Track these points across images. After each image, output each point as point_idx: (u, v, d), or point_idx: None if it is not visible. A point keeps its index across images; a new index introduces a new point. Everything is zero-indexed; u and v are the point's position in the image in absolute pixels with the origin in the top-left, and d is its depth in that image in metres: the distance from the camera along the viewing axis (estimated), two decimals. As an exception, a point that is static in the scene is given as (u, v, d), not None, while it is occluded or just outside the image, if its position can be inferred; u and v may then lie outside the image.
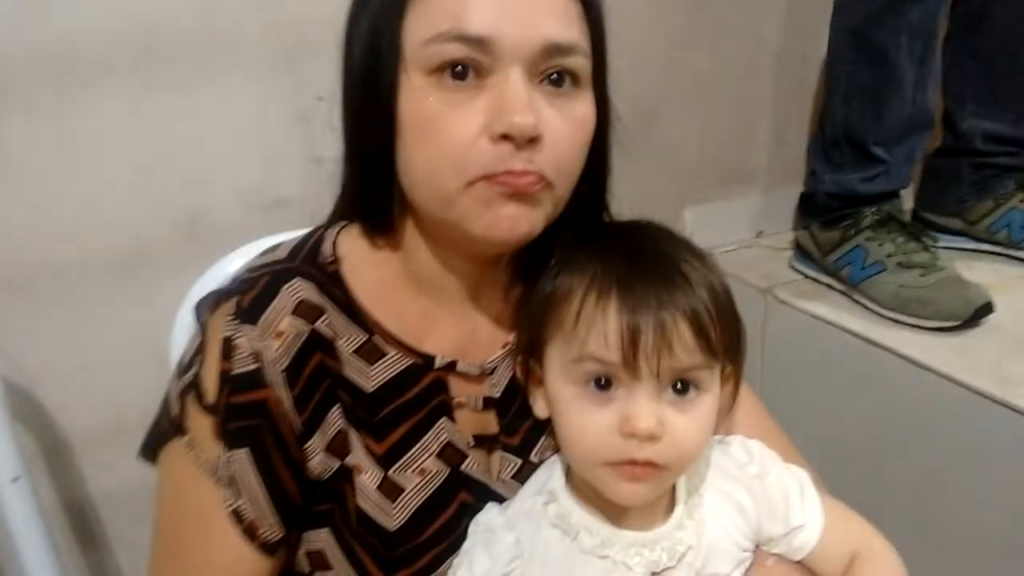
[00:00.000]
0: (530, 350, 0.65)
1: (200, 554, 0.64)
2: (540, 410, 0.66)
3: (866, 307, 1.28)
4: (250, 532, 0.63)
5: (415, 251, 0.68)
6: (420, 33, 0.59)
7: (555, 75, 0.60)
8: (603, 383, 0.59)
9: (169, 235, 1.10)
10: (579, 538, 0.62)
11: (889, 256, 1.28)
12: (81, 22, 0.99)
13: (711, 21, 1.44)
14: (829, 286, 1.38)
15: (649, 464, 0.58)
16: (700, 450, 0.62)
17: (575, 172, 0.64)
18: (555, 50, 0.59)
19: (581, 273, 0.61)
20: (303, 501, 0.65)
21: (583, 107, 0.63)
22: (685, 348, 0.58)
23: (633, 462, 0.58)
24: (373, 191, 0.66)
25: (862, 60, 1.30)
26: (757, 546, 0.66)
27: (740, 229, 1.58)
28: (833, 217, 1.37)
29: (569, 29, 0.61)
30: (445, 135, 0.59)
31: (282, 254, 0.69)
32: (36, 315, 1.06)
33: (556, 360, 0.62)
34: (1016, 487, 1.03)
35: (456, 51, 0.58)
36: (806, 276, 1.43)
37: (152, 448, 0.67)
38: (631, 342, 0.57)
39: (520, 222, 0.61)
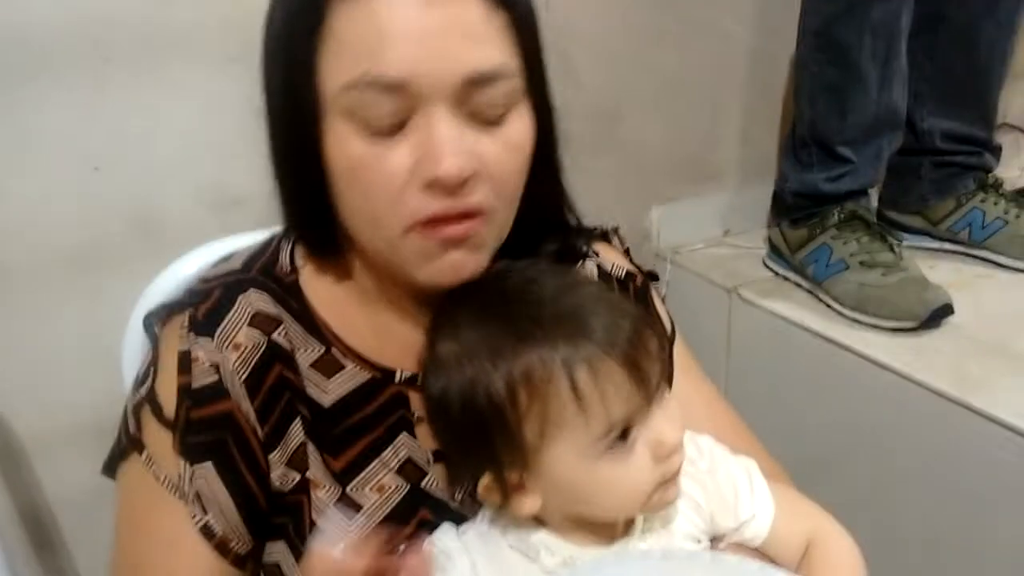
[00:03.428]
0: (501, 468, 0.59)
1: (166, 573, 0.63)
2: (530, 508, 0.60)
3: (829, 306, 1.29)
4: (222, 547, 0.62)
5: (365, 273, 0.66)
6: (335, 77, 0.56)
7: (484, 108, 0.57)
8: (624, 433, 0.58)
9: (122, 234, 1.08)
10: (540, 558, 0.61)
11: (852, 255, 1.29)
12: (29, 14, 0.96)
13: (678, 18, 1.43)
14: (797, 284, 1.38)
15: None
16: None
17: (516, 192, 0.62)
18: (479, 80, 0.56)
19: (532, 361, 0.56)
20: (268, 512, 0.63)
21: (518, 127, 0.59)
22: (658, 352, 0.59)
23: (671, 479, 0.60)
24: (311, 228, 0.65)
25: (826, 60, 1.30)
26: (712, 540, 0.66)
27: (707, 228, 1.58)
28: (801, 216, 1.38)
29: (492, 52, 0.56)
30: (374, 184, 0.57)
31: (236, 264, 0.67)
32: (-15, 316, 1.03)
33: (567, 451, 0.57)
34: (974, 487, 1.04)
35: (374, 99, 0.55)
36: (776, 274, 1.43)
37: (111, 465, 0.66)
38: (641, 379, 0.57)
39: (464, 267, 0.60)
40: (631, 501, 0.60)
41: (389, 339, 0.67)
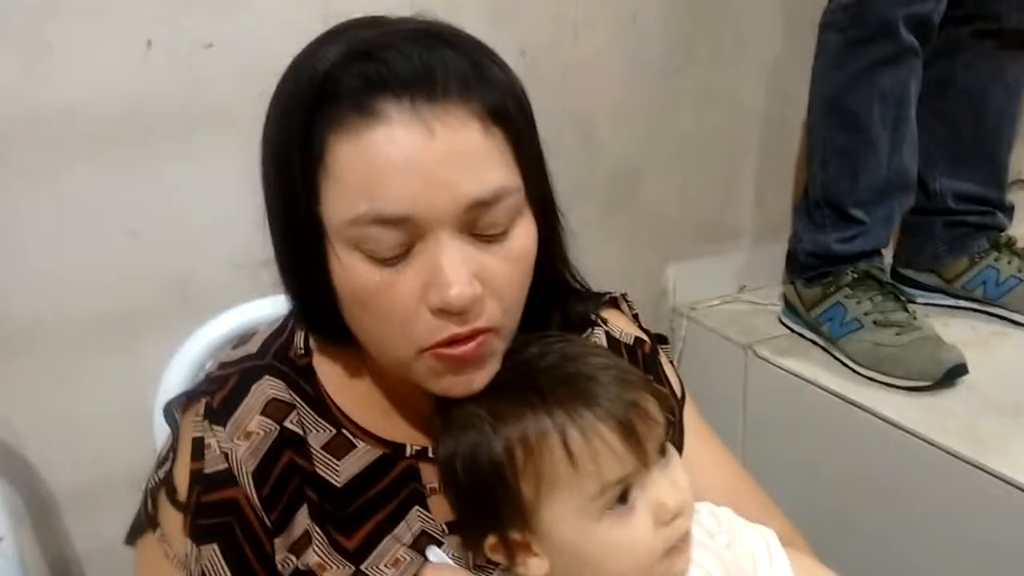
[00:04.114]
0: (504, 527, 0.61)
1: None
2: (538, 569, 0.62)
3: (844, 364, 1.30)
4: None
5: (374, 360, 0.66)
6: (337, 212, 0.56)
7: (486, 227, 0.57)
8: (623, 496, 0.59)
9: (158, 296, 1.13)
10: None
11: (866, 314, 1.31)
12: (74, 93, 1.03)
13: (693, 85, 1.48)
14: (813, 341, 1.40)
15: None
16: None
17: (522, 300, 0.62)
18: (481, 204, 0.56)
19: (529, 426, 0.58)
20: None
21: (520, 238, 0.60)
22: (658, 414, 0.60)
23: (678, 546, 0.60)
24: (322, 329, 0.67)
25: (837, 126, 1.34)
26: None
27: (722, 284, 1.61)
28: (815, 275, 1.40)
29: (492, 175, 0.56)
30: (384, 312, 0.58)
31: (253, 348, 0.69)
32: (25, 375, 1.08)
33: (565, 512, 0.59)
34: (989, 548, 1.04)
35: (378, 233, 0.55)
36: (792, 330, 1.45)
37: (132, 536, 0.69)
38: (636, 443, 0.58)
39: (475, 381, 0.61)
40: (636, 567, 0.60)
41: (399, 416, 0.69)
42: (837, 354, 1.33)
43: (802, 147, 1.58)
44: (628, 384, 0.61)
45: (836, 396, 1.24)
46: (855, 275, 1.35)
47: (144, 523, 0.67)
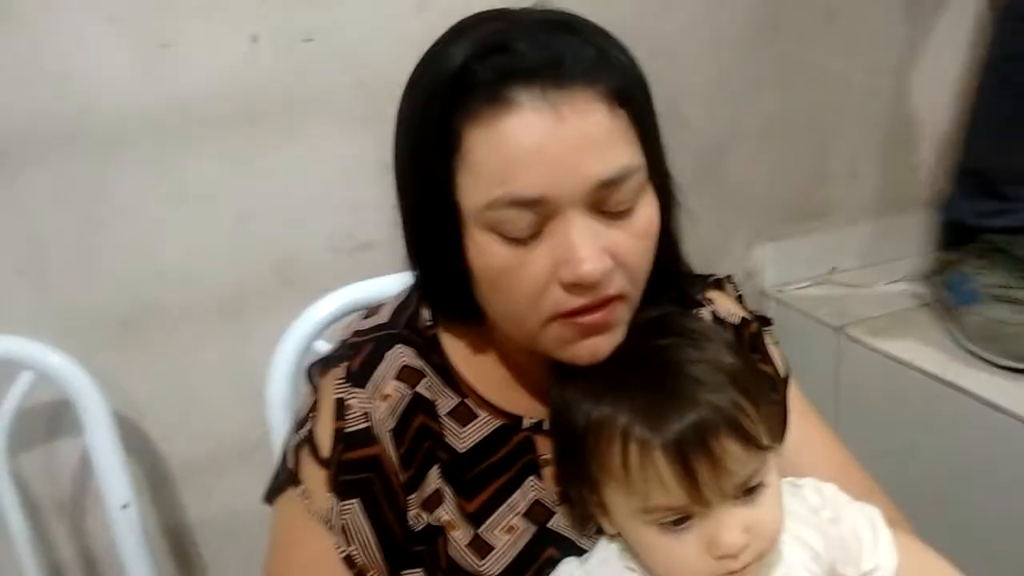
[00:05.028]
0: (583, 484, 0.65)
1: None
2: (609, 528, 0.66)
3: (952, 335, 1.27)
4: (360, 575, 0.68)
5: (497, 333, 0.70)
6: (473, 197, 0.59)
7: (614, 205, 0.60)
8: (677, 521, 0.59)
9: (264, 278, 1.18)
10: None
11: (987, 287, 1.26)
12: (188, 86, 1.08)
13: (779, 60, 1.46)
14: (935, 308, 1.36)
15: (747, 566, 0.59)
16: (782, 525, 0.62)
17: (647, 272, 0.65)
18: (608, 184, 0.58)
19: (605, 415, 0.60)
20: (405, 547, 0.69)
21: (646, 213, 0.62)
22: (739, 462, 0.58)
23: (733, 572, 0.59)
24: (452, 308, 0.69)
25: (1009, 95, 1.27)
26: None
27: (812, 266, 1.58)
28: (950, 242, 1.37)
29: (619, 155, 0.59)
30: (516, 288, 0.60)
31: (384, 317, 0.73)
32: (146, 352, 1.15)
33: (620, 504, 0.61)
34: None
35: (513, 215, 0.58)
36: (923, 302, 1.42)
37: (271, 495, 0.73)
38: (691, 483, 0.57)
39: (601, 349, 0.63)
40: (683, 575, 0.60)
41: (518, 389, 0.72)
42: (950, 325, 1.29)
43: (895, 119, 1.54)
44: (717, 417, 0.58)
45: (933, 378, 1.21)
46: (987, 247, 1.30)
47: (286, 480, 0.71)
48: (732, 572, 0.59)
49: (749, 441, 0.58)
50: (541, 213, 0.58)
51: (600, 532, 0.68)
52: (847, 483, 0.72)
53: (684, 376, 0.60)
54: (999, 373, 1.17)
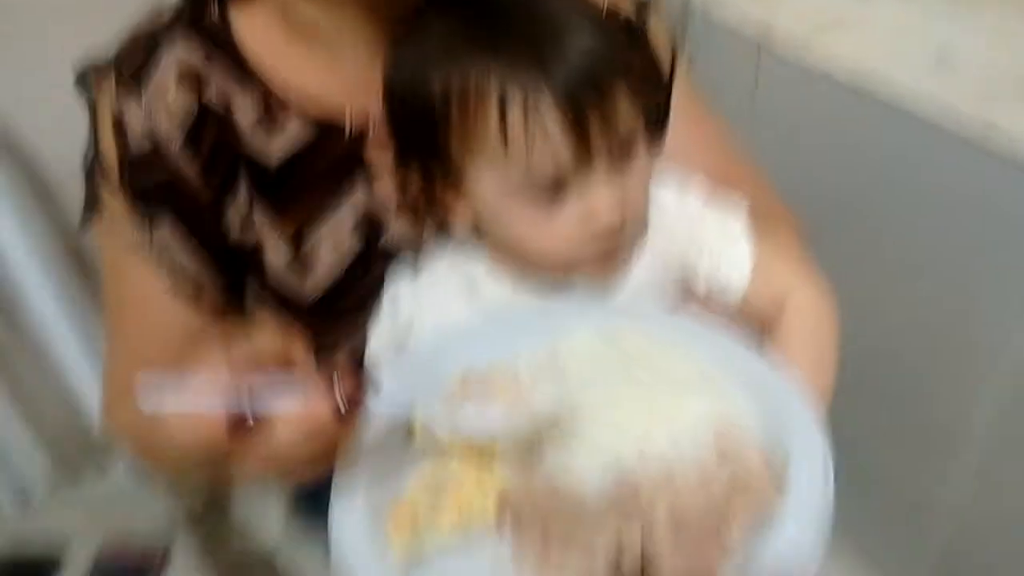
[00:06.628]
0: (435, 173, 0.57)
1: (142, 325, 0.66)
2: (461, 219, 0.59)
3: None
4: (192, 299, 0.64)
5: (305, 14, 0.60)
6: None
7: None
8: (554, 189, 0.54)
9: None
10: (482, 288, 0.61)
11: None
12: None
13: None
14: None
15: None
16: (648, 203, 0.60)
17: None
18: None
19: (471, 76, 0.52)
20: (231, 264, 0.65)
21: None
22: (626, 114, 0.54)
23: (608, 255, 0.57)
24: None
25: None
26: (686, 289, 0.63)
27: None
28: None
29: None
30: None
31: (163, 16, 0.63)
32: None
33: (487, 183, 0.55)
34: (995, 230, 1.00)
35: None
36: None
37: (83, 223, 0.67)
38: (581, 136, 0.52)
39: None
40: (555, 261, 0.57)
41: (336, 78, 0.62)
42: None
43: None
44: (604, 57, 0.53)
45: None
46: None
47: (90, 208, 0.65)
48: (610, 252, 0.57)
49: (639, 92, 0.55)
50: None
51: (441, 243, 0.64)
52: (727, 177, 0.66)
53: (557, 21, 0.53)
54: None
